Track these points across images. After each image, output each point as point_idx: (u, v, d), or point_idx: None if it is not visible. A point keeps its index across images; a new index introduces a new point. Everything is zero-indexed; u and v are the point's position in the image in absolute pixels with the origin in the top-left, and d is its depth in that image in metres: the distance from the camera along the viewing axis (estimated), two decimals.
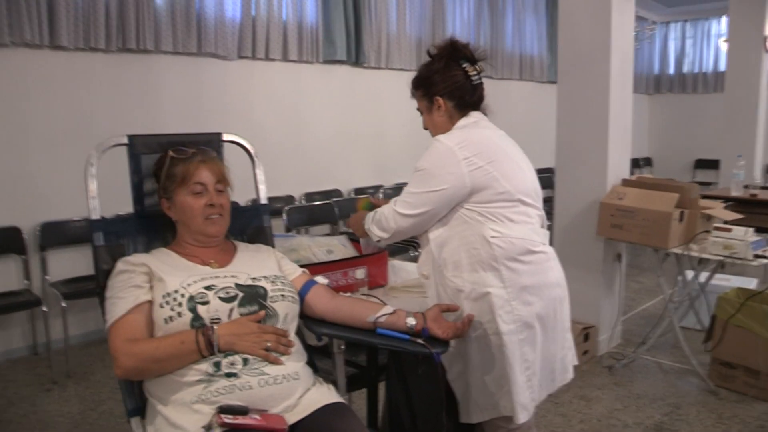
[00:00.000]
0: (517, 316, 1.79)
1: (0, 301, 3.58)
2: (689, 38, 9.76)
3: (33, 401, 3.25)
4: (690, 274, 3.59)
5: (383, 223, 1.92)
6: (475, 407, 1.88)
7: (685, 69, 9.85)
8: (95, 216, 1.75)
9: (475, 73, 1.92)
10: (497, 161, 1.81)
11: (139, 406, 1.61)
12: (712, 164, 8.55)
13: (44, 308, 3.62)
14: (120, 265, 1.62)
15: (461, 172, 1.78)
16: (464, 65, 1.91)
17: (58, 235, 3.93)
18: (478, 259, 1.79)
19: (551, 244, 1.95)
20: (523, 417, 1.80)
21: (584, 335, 3.59)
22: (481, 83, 1.95)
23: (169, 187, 1.71)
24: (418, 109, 2.00)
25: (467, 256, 1.81)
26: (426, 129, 2.00)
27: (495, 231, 1.78)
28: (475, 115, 1.93)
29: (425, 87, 1.94)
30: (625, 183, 3.59)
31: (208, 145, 1.89)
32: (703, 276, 3.69)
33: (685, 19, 9.71)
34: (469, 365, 1.86)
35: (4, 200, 3.78)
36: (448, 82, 1.90)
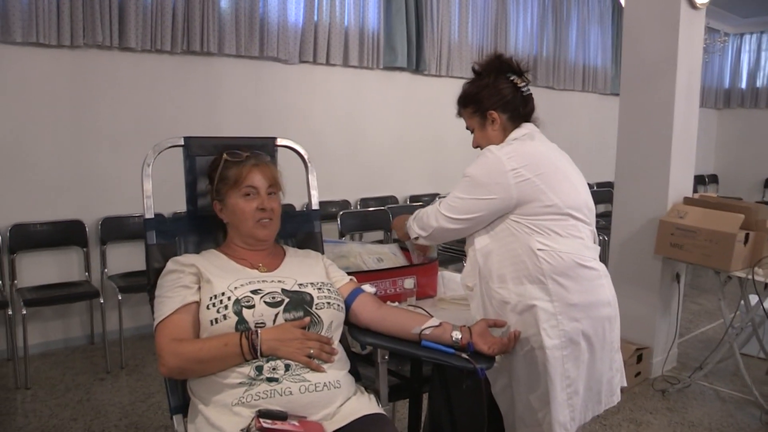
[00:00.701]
0: (562, 331, 1.75)
1: (62, 291, 3.72)
2: (765, 50, 9.32)
3: (87, 389, 3.36)
4: (754, 298, 3.43)
5: (424, 220, 1.92)
6: (520, 423, 1.85)
7: (759, 83, 9.42)
8: (149, 215, 1.79)
9: (524, 84, 1.91)
10: (546, 174, 1.78)
11: (181, 403, 1.64)
12: None
13: (101, 300, 3.73)
14: (170, 264, 1.65)
15: (508, 183, 1.75)
16: (512, 78, 1.90)
17: (117, 229, 4.05)
18: (525, 272, 1.76)
19: (606, 259, 1.90)
20: None
21: (637, 356, 3.46)
22: (531, 94, 1.94)
23: (221, 189, 1.73)
24: (467, 128, 1.99)
25: (513, 268, 1.78)
26: (476, 147, 1.97)
27: (542, 244, 1.75)
28: (527, 127, 1.91)
29: (476, 103, 1.92)
30: (687, 201, 3.46)
31: (263, 149, 1.91)
32: None
33: (761, 31, 9.30)
34: (514, 380, 1.84)
35: (70, 194, 3.93)
36: (500, 96, 1.89)
